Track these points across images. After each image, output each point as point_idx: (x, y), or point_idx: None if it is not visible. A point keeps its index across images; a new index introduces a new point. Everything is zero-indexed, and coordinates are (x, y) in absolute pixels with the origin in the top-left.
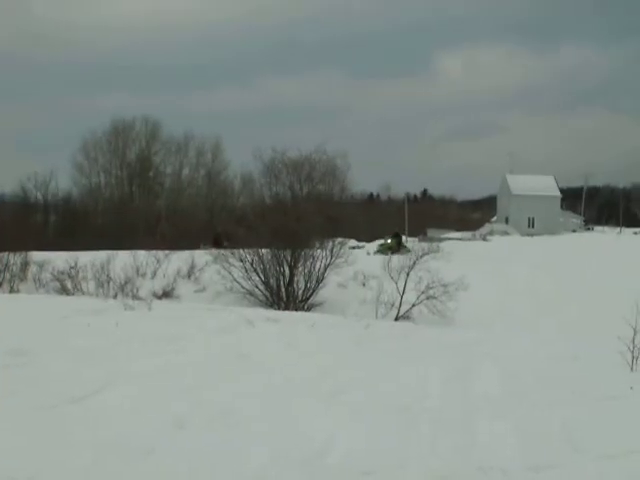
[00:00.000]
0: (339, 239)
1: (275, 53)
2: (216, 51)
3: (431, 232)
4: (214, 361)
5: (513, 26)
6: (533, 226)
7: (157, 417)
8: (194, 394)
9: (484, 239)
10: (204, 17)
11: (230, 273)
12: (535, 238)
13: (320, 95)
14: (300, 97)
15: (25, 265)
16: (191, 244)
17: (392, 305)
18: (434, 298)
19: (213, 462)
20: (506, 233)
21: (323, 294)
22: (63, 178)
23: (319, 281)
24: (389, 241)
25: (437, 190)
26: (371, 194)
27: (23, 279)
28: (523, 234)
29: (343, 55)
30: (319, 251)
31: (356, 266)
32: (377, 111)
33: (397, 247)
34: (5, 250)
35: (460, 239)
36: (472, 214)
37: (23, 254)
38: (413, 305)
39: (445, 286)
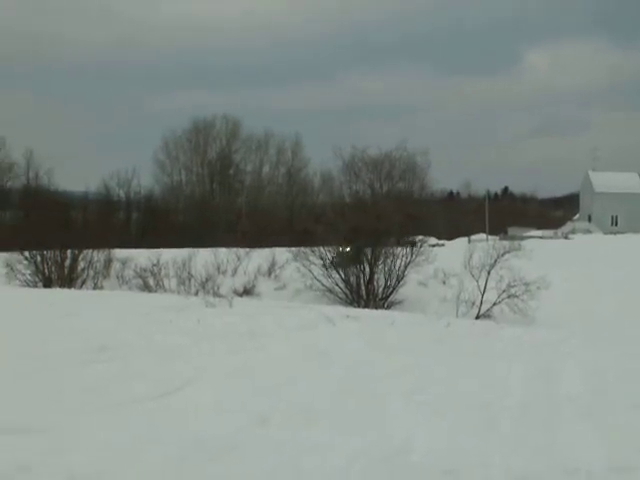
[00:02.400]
0: (419, 237)
1: (358, 50)
2: (298, 50)
3: (512, 230)
4: (294, 358)
5: (598, 22)
6: (616, 224)
7: (239, 414)
8: (275, 391)
9: (566, 237)
10: (285, 17)
11: (310, 271)
12: (618, 236)
13: (401, 92)
14: (381, 94)
15: (108, 262)
16: (271, 242)
17: (473, 304)
18: (515, 297)
19: (295, 459)
20: (588, 231)
21: (403, 292)
22: (145, 176)
23: (399, 279)
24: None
25: (518, 187)
26: (451, 192)
27: (106, 276)
28: (606, 232)
29: (426, 52)
30: (399, 249)
31: (437, 264)
32: (458, 108)
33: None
34: (89, 247)
35: (541, 237)
36: (553, 212)
37: (106, 251)
38: (494, 304)
39: (527, 285)
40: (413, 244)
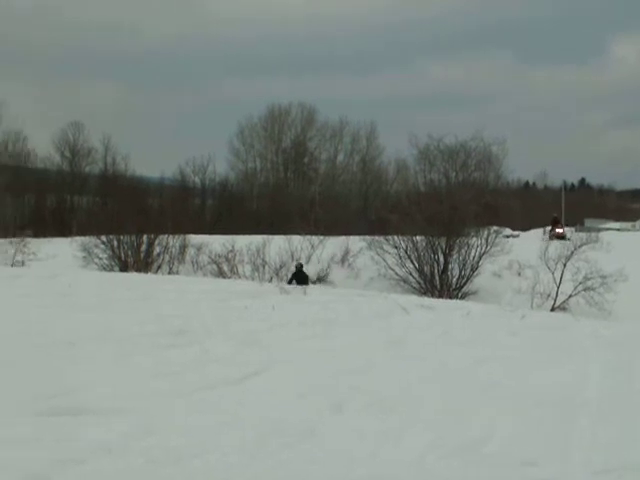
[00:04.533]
0: (494, 227)
1: (437, 38)
2: (376, 38)
3: (589, 222)
4: (368, 347)
5: None
6: None
7: (315, 400)
8: (349, 379)
9: None
10: (365, 5)
11: (384, 260)
12: None
13: (480, 80)
14: (459, 82)
15: (183, 248)
16: (345, 230)
17: (548, 296)
18: (592, 289)
19: (372, 446)
20: None
21: (477, 283)
22: (220, 163)
23: (473, 269)
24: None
25: (595, 179)
26: (527, 182)
27: (182, 261)
28: None
29: (506, 40)
30: (474, 239)
31: (511, 255)
32: (537, 97)
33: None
34: (165, 233)
35: (619, 230)
36: (632, 204)
37: (182, 237)
38: (570, 296)
39: (604, 277)
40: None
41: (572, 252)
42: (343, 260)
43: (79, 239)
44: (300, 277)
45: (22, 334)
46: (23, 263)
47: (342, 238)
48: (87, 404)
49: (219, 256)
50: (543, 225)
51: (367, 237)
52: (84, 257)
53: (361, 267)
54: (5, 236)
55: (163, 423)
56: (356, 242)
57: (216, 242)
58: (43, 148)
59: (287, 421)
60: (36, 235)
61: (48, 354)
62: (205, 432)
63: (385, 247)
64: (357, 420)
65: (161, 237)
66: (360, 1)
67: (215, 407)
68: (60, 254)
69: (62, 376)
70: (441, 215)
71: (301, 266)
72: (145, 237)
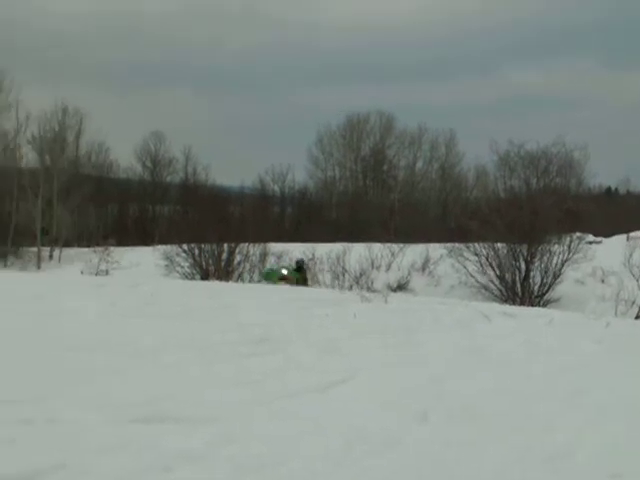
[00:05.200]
0: (577, 234)
1: (517, 44)
2: (455, 44)
3: None
4: (451, 355)
5: None
6: None
7: (399, 408)
8: (433, 387)
9: None
10: (444, 13)
11: (465, 267)
12: None
13: (562, 86)
14: (540, 88)
15: (264, 256)
16: (424, 237)
17: (632, 303)
18: None
19: (456, 456)
20: None
21: (560, 290)
22: (300, 171)
23: (556, 277)
24: (284, 272)
25: None
26: (609, 187)
27: (262, 269)
28: None
29: (588, 46)
30: (556, 246)
31: (594, 261)
32: (620, 102)
33: (303, 282)
34: (245, 241)
35: None
36: None
37: (262, 245)
38: None
39: None
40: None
41: None
42: (423, 268)
43: (161, 248)
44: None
45: (106, 343)
46: (107, 272)
47: (422, 245)
48: (170, 412)
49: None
50: (626, 231)
51: (447, 244)
52: (166, 266)
53: (442, 275)
54: (89, 245)
55: (246, 431)
56: (436, 249)
57: (296, 250)
58: (125, 159)
59: (371, 429)
60: (119, 244)
61: (131, 362)
62: (288, 440)
63: (465, 254)
64: (442, 429)
65: (242, 245)
66: (437, 7)
67: (297, 415)
68: (143, 262)
69: (146, 384)
70: (522, 221)
71: (302, 262)
72: (226, 246)
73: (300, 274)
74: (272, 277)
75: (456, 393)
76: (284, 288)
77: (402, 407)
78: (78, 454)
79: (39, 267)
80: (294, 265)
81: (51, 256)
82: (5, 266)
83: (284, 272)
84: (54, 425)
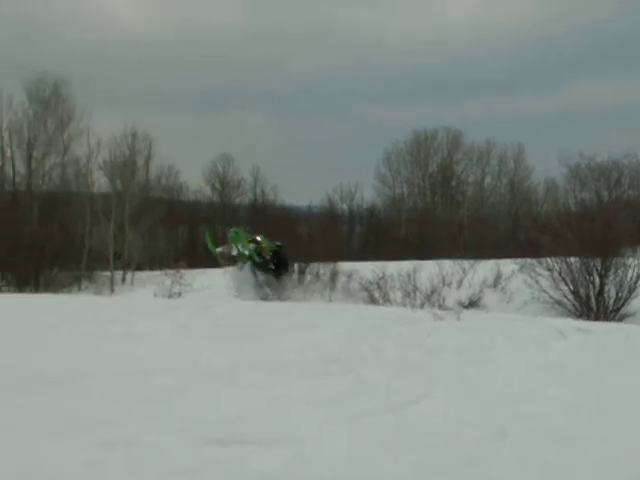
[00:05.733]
0: None
1: (584, 55)
2: (521, 57)
3: None
4: (525, 372)
5: None
6: None
7: (478, 427)
8: (510, 405)
9: None
10: (509, 24)
11: (537, 282)
12: None
13: (633, 97)
14: (610, 100)
15: (334, 275)
16: (495, 253)
17: None
18: None
19: (539, 475)
20: None
21: (635, 304)
22: (367, 189)
23: (631, 291)
24: (259, 238)
25: None
26: None
27: (333, 289)
28: None
29: None
30: (631, 259)
31: None
32: None
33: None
34: (315, 261)
35: None
36: None
37: (332, 264)
38: None
39: None
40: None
41: None
42: (495, 284)
43: (231, 270)
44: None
45: (180, 365)
46: (180, 294)
47: (492, 261)
48: (246, 433)
49: (370, 282)
50: None
51: (518, 260)
52: (237, 287)
53: (514, 291)
54: (161, 268)
55: (322, 451)
56: (507, 265)
57: (366, 268)
58: (194, 181)
59: (449, 448)
60: (190, 266)
61: (205, 384)
62: (365, 460)
63: (538, 269)
64: (522, 447)
65: (312, 265)
66: (504, 18)
67: (373, 435)
68: (214, 285)
69: (221, 406)
70: (594, 234)
71: (282, 247)
72: (296, 265)
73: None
74: (239, 238)
75: (533, 410)
76: (355, 307)
77: (480, 425)
78: (158, 477)
79: (112, 290)
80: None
81: (124, 279)
82: (79, 290)
83: (259, 238)
84: (133, 448)
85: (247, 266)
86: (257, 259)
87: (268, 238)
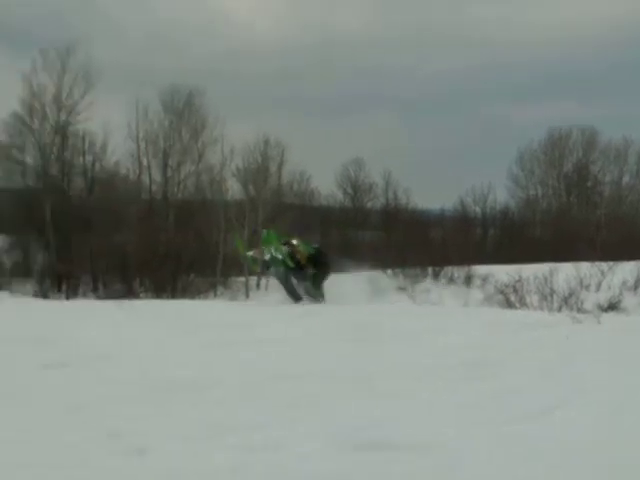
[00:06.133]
0: None
1: None
2: None
3: None
4: None
5: None
6: None
7: (621, 432)
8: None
9: None
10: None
11: None
12: None
13: None
14: None
15: (469, 278)
16: (634, 254)
17: None
18: None
19: None
20: None
21: None
22: (500, 191)
23: None
24: (295, 241)
25: None
26: None
27: (467, 292)
28: None
29: None
30: None
31: None
32: None
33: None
34: (449, 264)
35: None
36: None
37: (466, 267)
38: None
39: None
40: None
41: None
42: (635, 286)
43: (364, 273)
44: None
45: (319, 369)
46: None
47: (632, 263)
48: (391, 439)
49: (505, 286)
50: None
51: None
52: (370, 290)
53: None
54: None
55: (469, 457)
56: None
57: (501, 271)
58: (326, 186)
59: (593, 452)
60: None
61: (346, 389)
62: (511, 467)
63: None
64: None
65: (446, 268)
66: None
67: (517, 440)
68: (347, 288)
69: (364, 411)
70: None
71: (320, 252)
72: (430, 269)
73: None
74: (271, 239)
75: None
76: (491, 310)
77: (626, 433)
78: None
79: (247, 296)
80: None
81: (258, 285)
82: (215, 295)
83: (294, 242)
84: (277, 453)
85: (280, 271)
86: (291, 264)
87: (305, 241)
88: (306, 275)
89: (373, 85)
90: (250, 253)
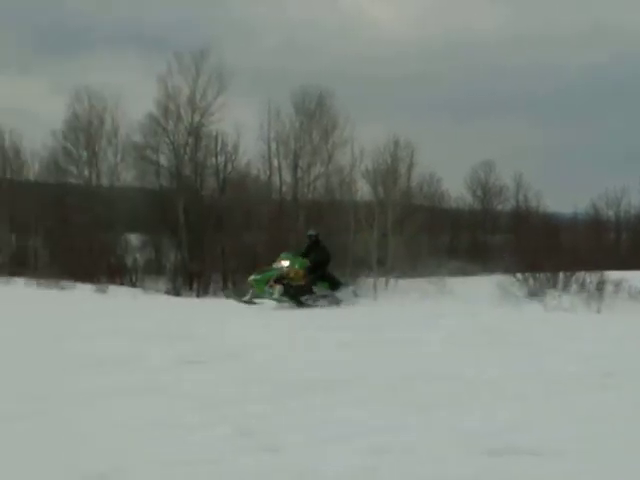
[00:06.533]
0: None
1: None
2: None
3: None
4: None
5: None
6: None
7: None
8: None
9: None
10: None
11: None
12: None
13: None
14: None
15: (601, 284)
16: None
17: None
18: None
19: None
20: None
21: None
22: (635, 194)
23: None
24: (285, 263)
25: None
26: None
27: (600, 298)
28: None
29: None
30: None
31: None
32: None
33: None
34: (580, 269)
35: None
36: None
37: (599, 273)
38: None
39: None
40: None
41: None
42: None
43: (494, 277)
44: (316, 251)
45: (447, 373)
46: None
47: None
48: (525, 444)
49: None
50: None
51: None
52: (501, 295)
53: None
54: (423, 275)
55: (602, 463)
56: None
57: (635, 277)
58: (456, 189)
59: None
60: (451, 274)
61: (475, 393)
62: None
63: None
64: None
65: (578, 274)
66: None
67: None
68: (477, 292)
69: (497, 415)
70: None
71: (315, 237)
72: (561, 274)
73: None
74: (260, 282)
75: None
76: (622, 319)
77: None
78: None
79: (375, 298)
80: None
81: (386, 286)
82: None
83: (284, 264)
84: (410, 455)
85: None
86: (291, 292)
87: (292, 253)
88: (309, 290)
89: (504, 86)
90: (245, 298)
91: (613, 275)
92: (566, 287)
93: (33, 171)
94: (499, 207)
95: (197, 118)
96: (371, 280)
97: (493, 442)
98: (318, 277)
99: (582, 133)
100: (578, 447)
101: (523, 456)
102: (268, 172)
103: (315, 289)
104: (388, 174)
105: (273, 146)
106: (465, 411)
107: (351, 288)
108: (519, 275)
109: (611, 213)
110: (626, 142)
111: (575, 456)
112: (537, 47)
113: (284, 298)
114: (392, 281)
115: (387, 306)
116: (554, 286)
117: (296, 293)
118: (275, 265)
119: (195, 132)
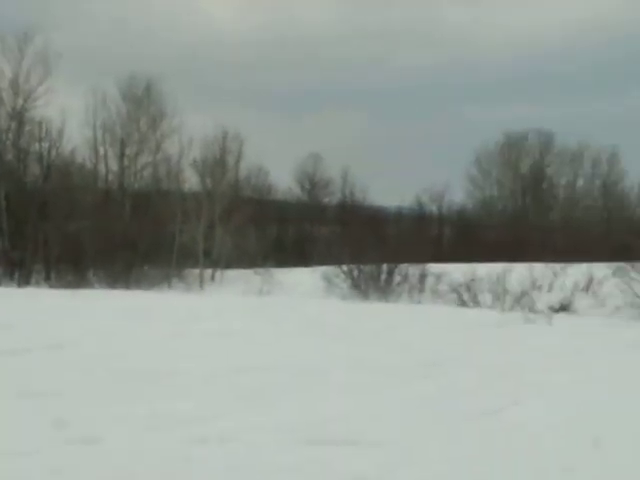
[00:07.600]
0: None
1: None
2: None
3: None
4: (622, 379)
5: None
6: None
7: (572, 434)
8: (606, 412)
9: None
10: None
11: (630, 287)
12: None
13: None
14: None
15: (423, 277)
16: (587, 257)
17: None
18: None
19: None
20: None
21: None
22: (457, 191)
23: None
24: None
25: None
26: None
27: (421, 290)
28: None
29: None
30: None
31: None
32: None
33: None
34: (404, 262)
35: None
36: None
37: (421, 266)
38: None
39: None
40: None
41: None
42: (587, 288)
43: (319, 269)
44: None
45: (274, 363)
46: (269, 292)
47: (584, 265)
48: (344, 434)
49: (459, 285)
50: None
51: (611, 264)
52: (325, 287)
53: (606, 295)
54: (249, 266)
55: (418, 454)
56: (600, 269)
57: (455, 271)
58: (284, 181)
59: (543, 455)
60: (278, 265)
61: (301, 383)
62: (467, 462)
63: (632, 274)
64: (616, 456)
65: (401, 266)
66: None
67: (472, 437)
68: (302, 283)
69: (317, 406)
70: None
71: None
72: (385, 266)
73: None
74: None
75: (626, 417)
76: (443, 308)
77: (576, 432)
78: (258, 475)
79: (202, 288)
80: None
81: (213, 277)
82: (169, 287)
83: None
84: (229, 445)
85: None
86: None
87: None
88: None
89: (333, 80)
90: None
91: (435, 268)
92: (389, 279)
93: None
94: (326, 200)
95: (20, 102)
96: (197, 271)
97: (313, 432)
98: None
99: (409, 128)
100: (397, 437)
101: (342, 446)
102: (94, 160)
103: None
104: (216, 165)
105: (99, 133)
106: (286, 401)
107: None
108: (344, 267)
109: (434, 208)
110: (450, 139)
111: (393, 447)
112: (365, 42)
113: None
114: (219, 272)
115: (212, 296)
116: (378, 278)
117: None
118: None
119: (18, 117)
